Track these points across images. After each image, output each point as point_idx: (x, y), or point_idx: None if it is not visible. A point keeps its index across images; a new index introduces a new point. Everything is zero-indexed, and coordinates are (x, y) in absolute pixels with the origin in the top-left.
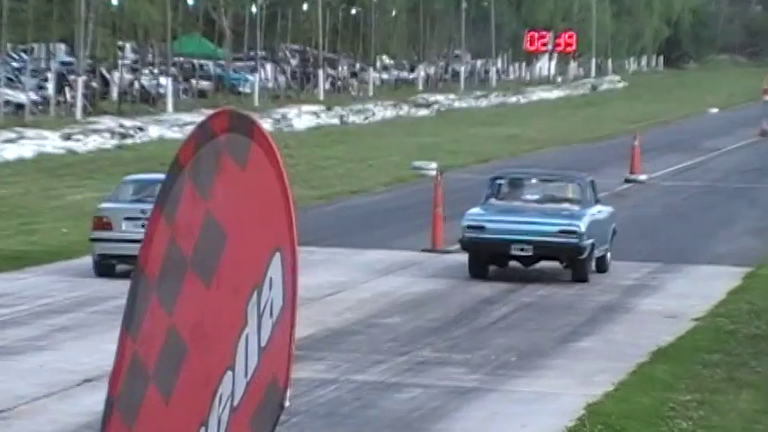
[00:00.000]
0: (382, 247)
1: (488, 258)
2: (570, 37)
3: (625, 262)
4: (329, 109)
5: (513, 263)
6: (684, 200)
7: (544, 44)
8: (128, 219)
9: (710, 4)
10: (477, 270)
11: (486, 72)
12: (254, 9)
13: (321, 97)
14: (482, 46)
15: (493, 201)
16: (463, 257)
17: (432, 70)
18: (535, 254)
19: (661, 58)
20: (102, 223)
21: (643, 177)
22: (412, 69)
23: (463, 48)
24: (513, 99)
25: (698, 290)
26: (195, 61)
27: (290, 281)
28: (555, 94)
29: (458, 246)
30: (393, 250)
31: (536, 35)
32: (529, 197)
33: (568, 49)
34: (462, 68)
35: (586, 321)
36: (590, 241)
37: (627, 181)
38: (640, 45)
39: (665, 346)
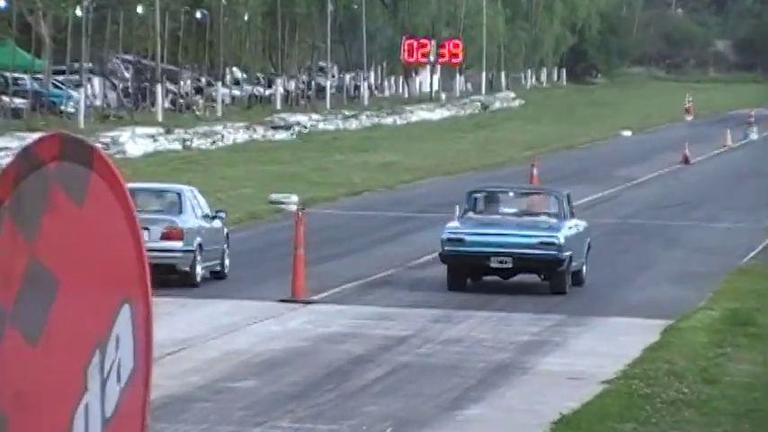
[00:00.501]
0: (233, 297)
1: (468, 272)
2: (456, 46)
3: (522, 314)
4: (169, 132)
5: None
6: (593, 240)
7: (425, 55)
8: None
9: (622, 7)
10: (457, 283)
11: (357, 88)
12: (78, 12)
13: (160, 118)
14: (352, 57)
15: (471, 214)
16: (330, 308)
17: (292, 86)
18: (515, 266)
19: (564, 71)
20: None
21: None
22: (269, 84)
23: (329, 59)
24: (389, 120)
25: (608, 347)
26: (8, 74)
27: (143, 338)
28: (439, 114)
29: (323, 294)
30: (246, 300)
31: (416, 44)
32: (506, 210)
33: (454, 60)
34: (328, 83)
35: (476, 384)
36: (568, 253)
37: None
38: (539, 56)
39: (569, 414)
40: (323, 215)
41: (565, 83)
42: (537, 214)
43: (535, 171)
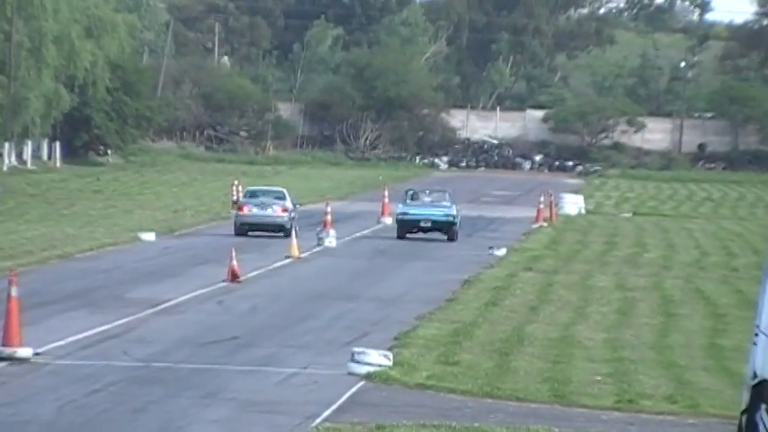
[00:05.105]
0: None
1: (409, 228)
2: None
3: None
4: None
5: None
6: (93, 393)
7: None
8: (254, 206)
9: (142, 55)
10: (403, 234)
11: None
12: None
13: None
14: None
15: (408, 201)
16: None
17: None
18: (432, 226)
19: (57, 145)
20: (241, 208)
21: (25, 352)
22: None
23: None
24: None
25: None
26: None
27: None
28: None
29: None
30: None
31: None
32: (426, 199)
33: None
34: None
35: None
36: (458, 220)
37: None
38: (22, 124)
39: None
40: None
41: (59, 163)
42: (441, 201)
43: (15, 293)
